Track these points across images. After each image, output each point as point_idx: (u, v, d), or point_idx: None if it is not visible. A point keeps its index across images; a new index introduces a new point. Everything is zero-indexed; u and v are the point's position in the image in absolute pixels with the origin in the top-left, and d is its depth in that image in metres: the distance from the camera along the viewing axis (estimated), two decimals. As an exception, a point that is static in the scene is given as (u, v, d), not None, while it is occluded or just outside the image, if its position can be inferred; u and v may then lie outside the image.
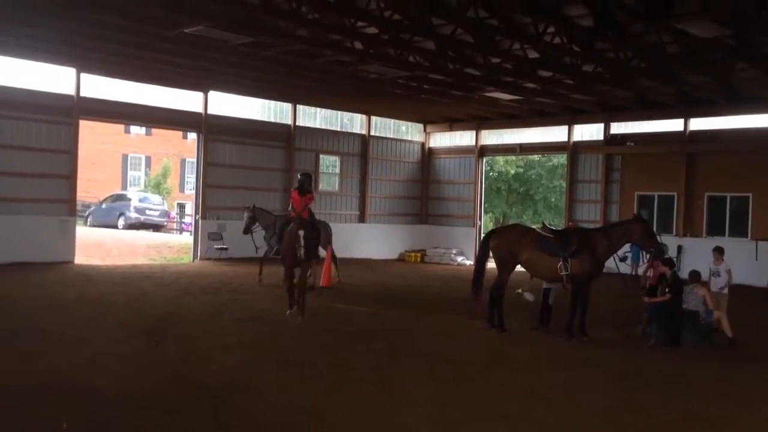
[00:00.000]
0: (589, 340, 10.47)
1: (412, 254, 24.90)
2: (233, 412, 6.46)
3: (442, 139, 26.86)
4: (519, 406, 7.03)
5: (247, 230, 16.64)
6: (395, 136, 26.28)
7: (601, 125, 22.48)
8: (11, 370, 7.50)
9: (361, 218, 24.90)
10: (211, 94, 20.94)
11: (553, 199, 36.24)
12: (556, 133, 23.73)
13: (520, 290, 12.49)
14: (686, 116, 20.63)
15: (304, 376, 7.85)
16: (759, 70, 15.56)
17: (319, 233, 12.39)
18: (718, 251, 11.91)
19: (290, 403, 6.86)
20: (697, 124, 20.70)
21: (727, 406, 7.33)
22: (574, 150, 23.18)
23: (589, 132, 23.04)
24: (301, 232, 11.04)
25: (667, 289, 10.55)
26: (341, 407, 6.74)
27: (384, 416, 6.52)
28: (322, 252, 15.43)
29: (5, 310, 11.00)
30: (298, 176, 13.07)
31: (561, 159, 30.80)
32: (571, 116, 22.64)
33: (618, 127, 22.33)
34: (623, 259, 11.57)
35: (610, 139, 22.25)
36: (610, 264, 11.14)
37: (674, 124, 21.11)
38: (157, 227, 31.25)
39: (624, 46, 14.42)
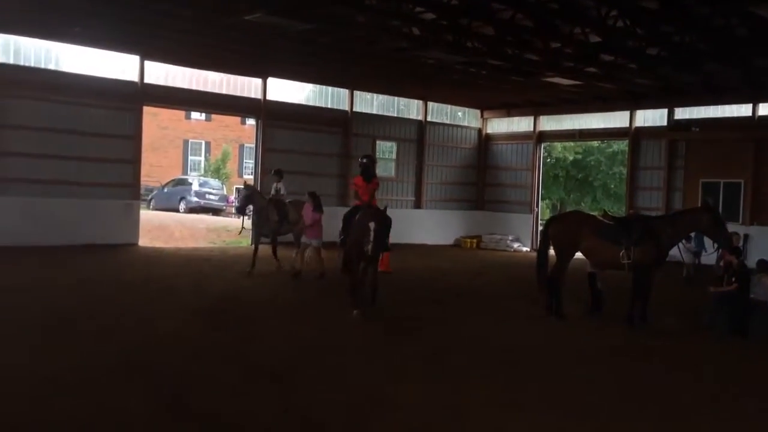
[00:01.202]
0: (651, 329, 10.28)
1: (468, 240, 24.79)
2: (296, 393, 6.58)
3: (500, 125, 26.59)
4: (582, 395, 6.97)
5: (242, 210, 16.15)
6: (452, 122, 26.12)
7: (665, 110, 21.88)
8: (87, 349, 7.79)
9: (417, 204, 24.90)
10: (270, 80, 21.18)
11: (612, 186, 35.53)
12: (617, 119, 23.20)
13: None
14: (755, 101, 19.90)
15: (365, 361, 7.93)
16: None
17: (390, 225, 10.79)
18: None
19: (353, 384, 6.94)
20: (767, 109, 19.96)
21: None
22: (636, 136, 22.65)
23: (652, 117, 22.45)
24: (372, 225, 9.81)
25: (733, 279, 10.28)
26: (406, 391, 6.79)
27: (446, 400, 6.55)
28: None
29: (79, 291, 11.42)
30: (361, 160, 11.81)
31: (621, 145, 30.13)
32: (633, 101, 22.10)
33: (682, 113, 21.70)
34: (697, 253, 11.25)
35: (674, 125, 21.64)
36: (674, 252, 10.89)
37: (742, 109, 20.40)
38: (216, 211, 31.88)
39: (690, 30, 13.99)
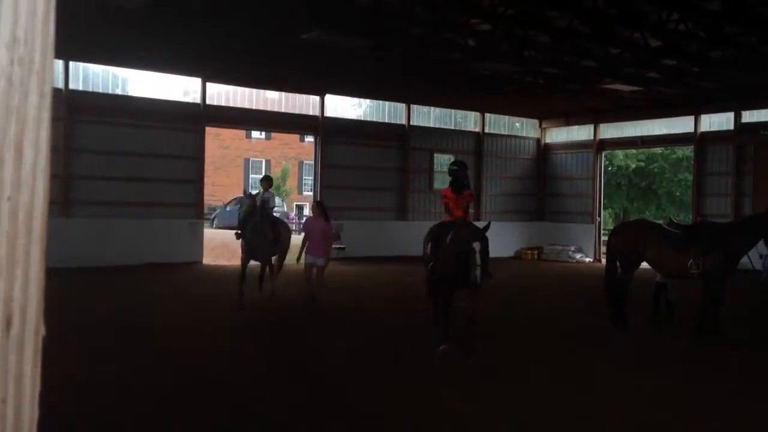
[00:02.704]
0: (722, 341, 9.91)
1: (529, 252, 24.47)
2: (354, 404, 6.59)
3: (559, 135, 26.23)
4: (646, 412, 6.77)
5: (244, 226, 12.20)
6: (510, 133, 25.91)
7: (731, 114, 21.19)
8: (149, 363, 8.00)
9: (476, 216, 24.69)
10: (327, 97, 21.45)
11: (678, 193, 34.64)
12: (680, 124, 22.60)
13: None
14: (828, 101, 19.16)
15: (431, 373, 7.89)
16: None
17: (487, 243, 8.65)
18: None
19: (420, 401, 6.91)
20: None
21: None
22: (701, 141, 22.00)
23: (718, 122, 21.78)
24: (478, 246, 8.18)
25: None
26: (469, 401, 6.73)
27: (505, 407, 6.45)
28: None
29: (147, 307, 11.73)
30: (450, 168, 10.01)
31: (686, 151, 29.35)
32: (697, 106, 21.49)
33: (750, 116, 20.99)
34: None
35: (742, 129, 20.94)
36: (744, 260, 10.50)
37: (814, 111, 19.66)
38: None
39: (754, 30, 13.57)
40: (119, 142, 17.84)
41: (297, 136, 39.91)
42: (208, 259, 19.33)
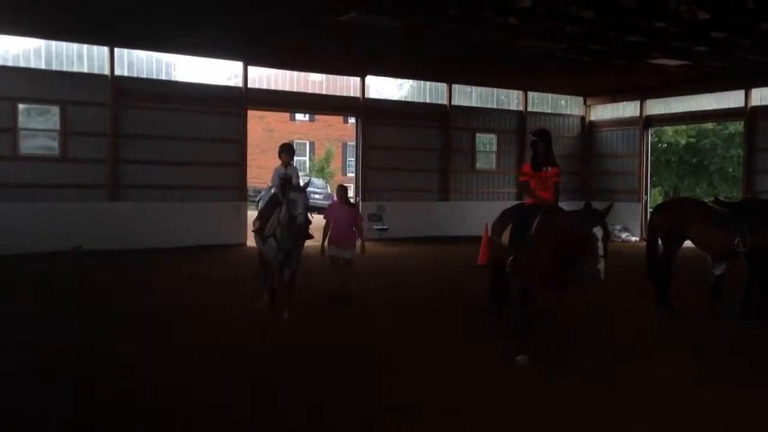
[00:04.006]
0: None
1: (574, 231, 24.11)
2: (396, 392, 6.65)
3: (604, 112, 25.74)
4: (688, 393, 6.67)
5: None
6: (554, 111, 25.52)
7: (784, 87, 20.52)
8: (196, 344, 8.21)
9: (519, 196, 24.47)
10: (369, 78, 21.44)
11: (730, 170, 33.66)
12: (731, 99, 21.93)
13: None
14: None
15: (465, 359, 7.90)
16: None
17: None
18: None
19: (450, 383, 6.94)
20: None
21: None
22: (752, 116, 21.34)
23: (770, 95, 21.10)
24: (599, 231, 6.50)
25: None
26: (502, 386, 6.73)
27: (536, 393, 6.44)
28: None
29: (191, 288, 12.02)
30: (530, 137, 8.30)
31: (738, 126, 28.47)
32: (748, 79, 20.79)
33: (803, 88, 20.29)
34: None
35: (795, 102, 20.24)
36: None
37: None
38: (321, 210, 32.54)
39: (809, -1, 13.04)
40: (164, 126, 18.14)
41: (340, 118, 39.99)
42: (252, 241, 19.58)
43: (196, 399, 6.27)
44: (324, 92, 21.21)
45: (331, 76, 21.24)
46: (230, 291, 11.83)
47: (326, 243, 10.79)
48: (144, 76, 18.22)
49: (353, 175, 26.35)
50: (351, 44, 17.04)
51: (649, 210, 23.57)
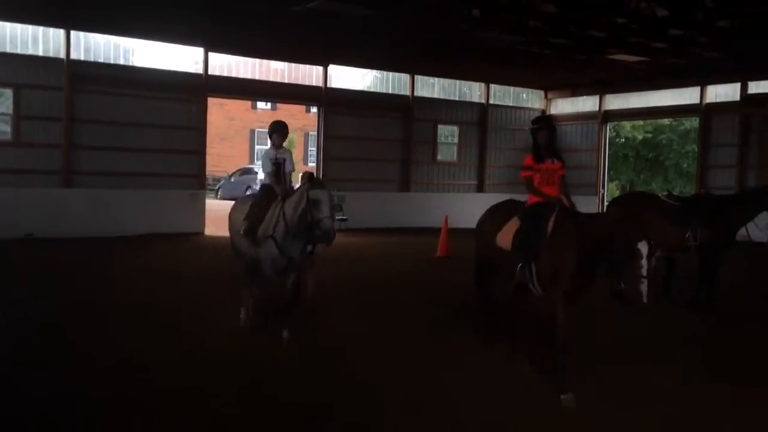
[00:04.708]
0: (718, 315, 9.89)
1: (533, 224, 24.38)
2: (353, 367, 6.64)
3: (564, 105, 26.04)
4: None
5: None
6: (515, 104, 25.74)
7: (737, 85, 20.96)
8: (155, 342, 7.81)
9: (480, 188, 24.67)
10: (331, 67, 21.32)
11: (685, 165, 34.38)
12: (687, 95, 22.39)
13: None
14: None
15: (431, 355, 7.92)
16: None
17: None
18: None
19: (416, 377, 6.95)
20: None
21: None
22: (707, 112, 21.82)
23: (725, 92, 21.55)
24: (645, 248, 5.58)
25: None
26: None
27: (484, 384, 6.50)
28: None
29: (145, 280, 11.79)
30: (531, 126, 7.39)
31: (694, 123, 29.09)
32: (704, 76, 21.23)
33: (757, 86, 20.74)
34: None
35: (748, 99, 20.72)
36: (743, 233, 10.43)
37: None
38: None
39: (763, -1, 13.32)
40: (121, 112, 17.76)
41: (302, 107, 39.65)
42: (210, 230, 19.39)
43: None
44: (286, 81, 21.02)
45: (293, 65, 21.04)
46: (183, 284, 11.60)
47: None
48: (101, 60, 17.82)
49: (314, 164, 26.24)
50: (314, 33, 16.91)
51: (606, 204, 23.96)
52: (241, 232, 7.99)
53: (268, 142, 8.60)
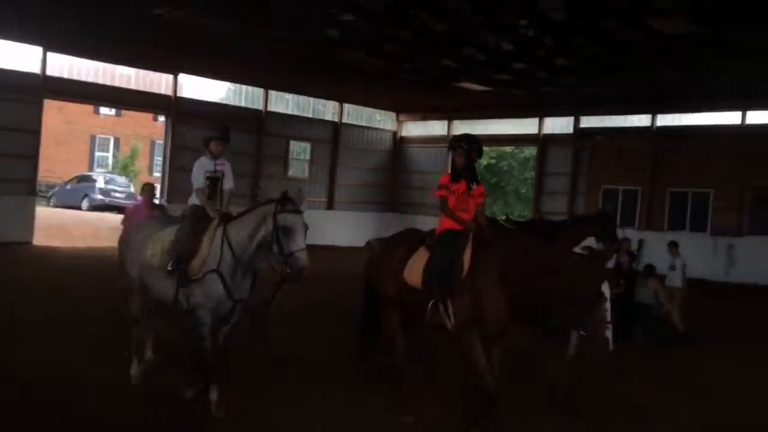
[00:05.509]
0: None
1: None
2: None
3: (415, 129, 26.88)
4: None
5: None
6: (367, 124, 26.23)
7: (571, 119, 22.66)
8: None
9: (330, 205, 24.84)
10: (182, 76, 20.69)
11: (523, 191, 36.49)
12: (527, 126, 23.89)
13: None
14: (654, 112, 20.94)
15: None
16: (727, 67, 15.64)
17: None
18: (673, 245, 12.05)
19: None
20: (664, 120, 21.06)
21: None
22: (544, 142, 23.36)
23: (560, 125, 23.21)
24: (607, 289, 5.16)
25: (621, 281, 10.59)
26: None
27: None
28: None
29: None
30: (453, 143, 6.57)
31: (533, 151, 30.97)
32: (542, 109, 22.76)
33: (588, 121, 22.53)
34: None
35: (579, 133, 22.46)
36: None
37: (643, 120, 21.45)
38: (122, 209, 30.79)
39: (598, 41, 14.41)
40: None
41: (150, 115, 38.12)
42: (40, 240, 18.08)
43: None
44: (132, 87, 20.15)
45: (141, 71, 20.21)
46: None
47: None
48: None
49: (159, 175, 25.32)
50: (165, 39, 16.34)
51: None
52: (169, 267, 6.15)
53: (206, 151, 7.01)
